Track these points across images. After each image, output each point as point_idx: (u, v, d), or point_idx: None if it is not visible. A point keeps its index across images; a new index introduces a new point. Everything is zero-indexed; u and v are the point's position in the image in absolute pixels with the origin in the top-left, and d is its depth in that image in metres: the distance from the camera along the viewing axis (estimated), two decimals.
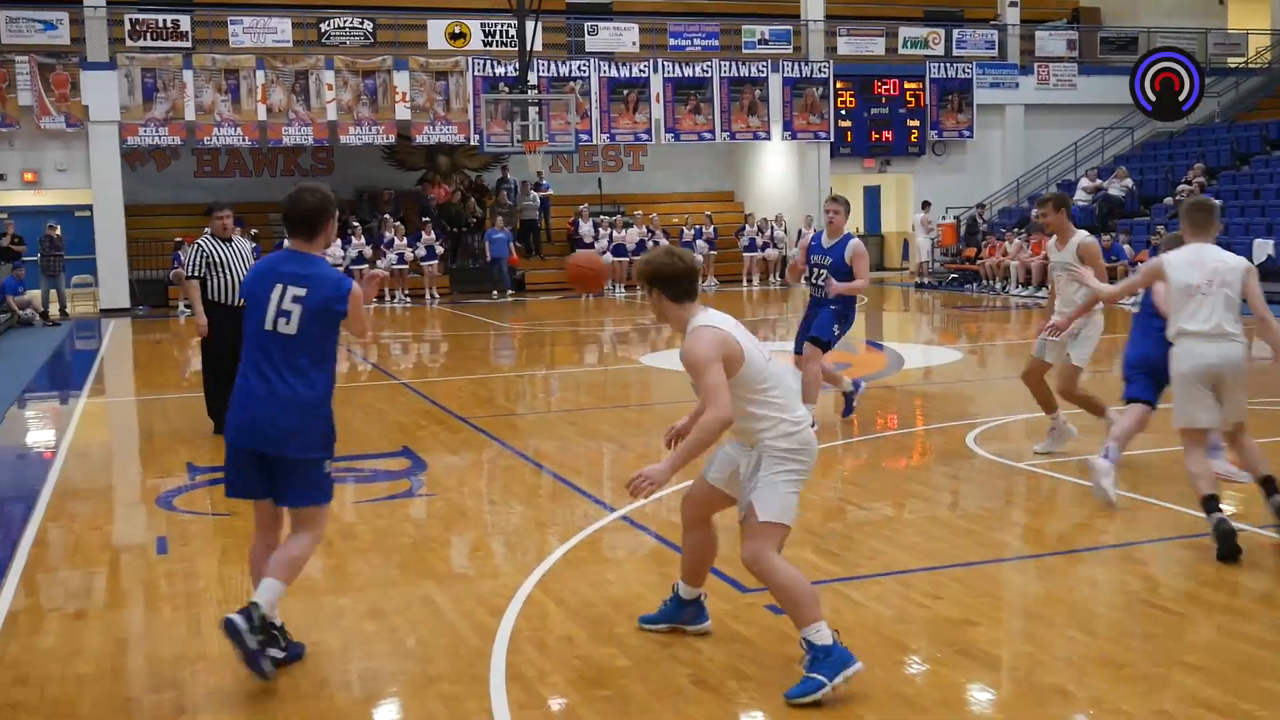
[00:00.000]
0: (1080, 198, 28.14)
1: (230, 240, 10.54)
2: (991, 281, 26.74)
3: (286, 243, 5.34)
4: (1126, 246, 23.57)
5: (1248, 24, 35.50)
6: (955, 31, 32.14)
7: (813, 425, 8.84)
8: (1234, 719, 4.48)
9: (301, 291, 5.00)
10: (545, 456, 9.77)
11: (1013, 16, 32.61)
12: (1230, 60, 34.59)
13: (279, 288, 5.02)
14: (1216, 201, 7.91)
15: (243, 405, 5.06)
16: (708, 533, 5.45)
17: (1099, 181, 28.56)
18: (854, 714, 4.59)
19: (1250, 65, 34.37)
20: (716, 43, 30.29)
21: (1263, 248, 21.91)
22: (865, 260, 10.15)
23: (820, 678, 4.64)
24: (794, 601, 4.82)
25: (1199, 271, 6.60)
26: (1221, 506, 6.54)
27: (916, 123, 31.29)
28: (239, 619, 4.79)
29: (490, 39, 28.59)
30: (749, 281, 29.75)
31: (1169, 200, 26.13)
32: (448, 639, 5.49)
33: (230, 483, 5.23)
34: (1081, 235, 8.99)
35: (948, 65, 31.51)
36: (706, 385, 4.83)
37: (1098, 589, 6.16)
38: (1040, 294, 24.66)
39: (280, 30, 27.48)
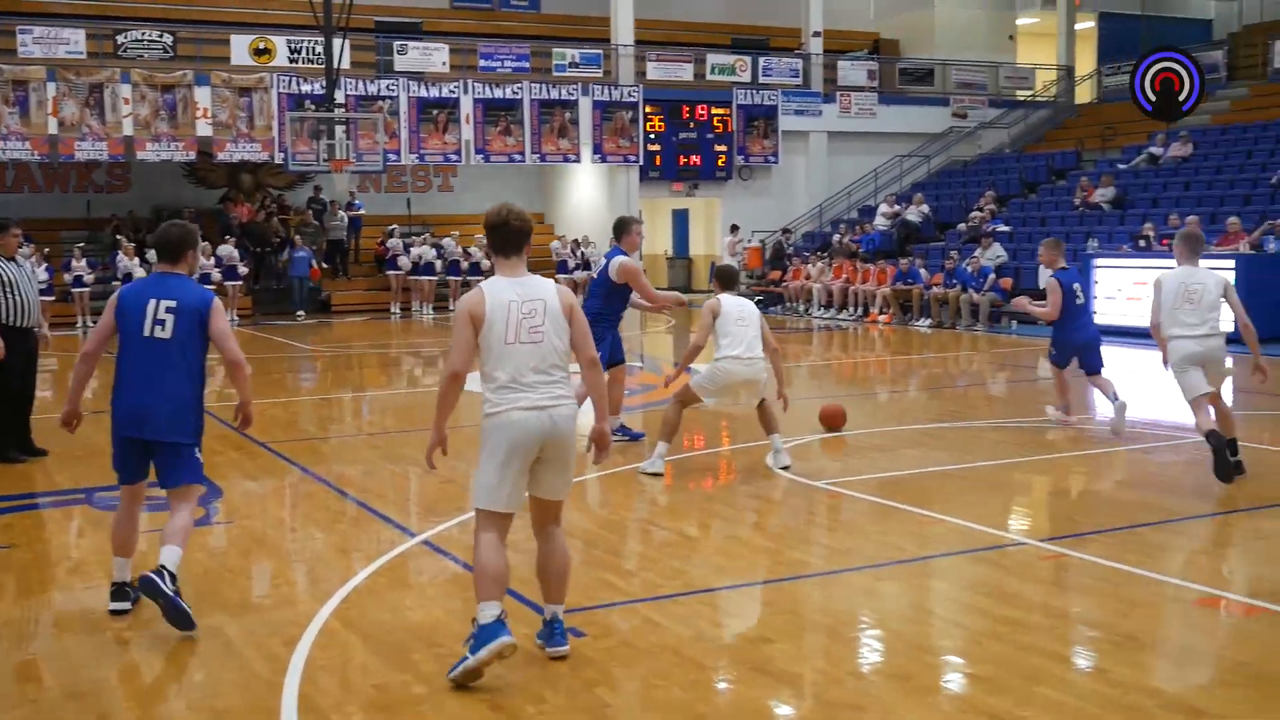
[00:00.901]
0: (879, 223, 29.05)
1: (14, 259, 10.07)
2: (795, 304, 27.36)
3: (156, 268, 6.42)
4: (923, 270, 24.39)
5: (1036, 59, 37.23)
6: (761, 59, 32.87)
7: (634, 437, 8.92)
8: None
9: (172, 303, 5.94)
10: (348, 481, 9.59)
11: (816, 46, 33.52)
12: (1019, 93, 36.21)
13: (153, 302, 5.95)
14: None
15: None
16: (544, 544, 5.50)
17: (897, 207, 29.51)
18: None
19: (1038, 98, 36.03)
20: (527, 65, 30.34)
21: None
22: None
23: (467, 654, 5.04)
24: (474, 580, 5.23)
25: (1187, 287, 8.73)
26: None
27: (724, 147, 31.87)
28: (154, 575, 5.66)
29: (296, 55, 28.08)
30: None
31: (962, 226, 27.15)
32: (238, 673, 5.33)
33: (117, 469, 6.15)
34: None
35: (754, 92, 32.20)
36: (451, 340, 5.41)
37: (891, 604, 6.33)
38: (841, 316, 25.35)
39: (73, 41, 26.47)
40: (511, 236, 5.36)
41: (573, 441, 5.38)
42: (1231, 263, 18.49)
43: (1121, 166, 27.40)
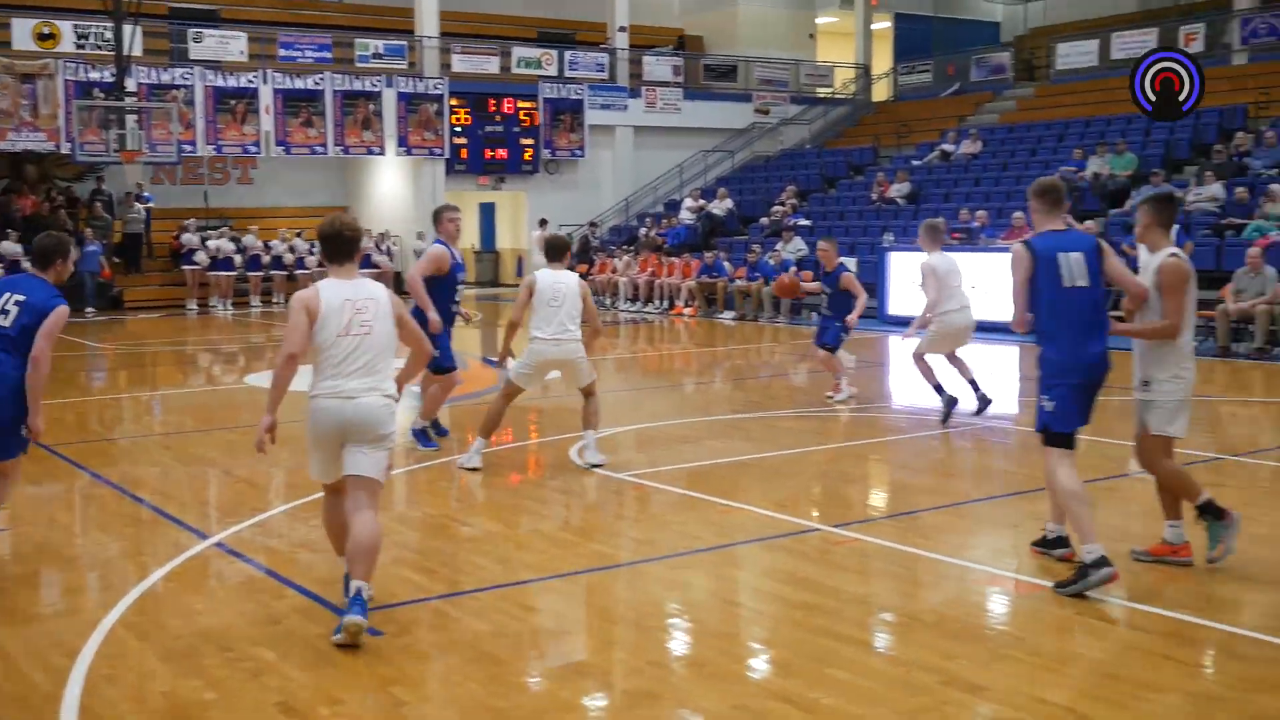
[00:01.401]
0: (684, 217, 29.41)
1: None
2: (602, 297, 27.50)
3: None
4: (727, 264, 24.78)
5: (835, 57, 38.18)
6: (567, 53, 32.89)
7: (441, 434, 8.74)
8: (802, 708, 4.78)
9: (21, 298, 6.47)
10: (139, 484, 9.27)
11: (622, 41, 33.72)
12: (819, 90, 37.09)
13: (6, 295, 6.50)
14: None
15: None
16: (353, 522, 5.69)
17: (702, 201, 29.92)
18: None
19: (837, 95, 36.97)
20: (329, 55, 29.71)
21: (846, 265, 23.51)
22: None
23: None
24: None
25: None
26: None
27: (530, 141, 31.79)
28: None
29: (84, 41, 26.90)
30: None
31: (765, 220, 27.69)
32: (16, 686, 5.11)
33: None
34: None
35: (560, 86, 32.21)
36: (287, 326, 5.83)
37: (690, 593, 6.43)
38: (648, 309, 25.59)
39: None
40: (344, 245, 5.85)
41: (377, 428, 5.69)
42: None
43: (916, 163, 28.32)
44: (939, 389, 11.28)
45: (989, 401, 11.44)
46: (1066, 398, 6.29)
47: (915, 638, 5.63)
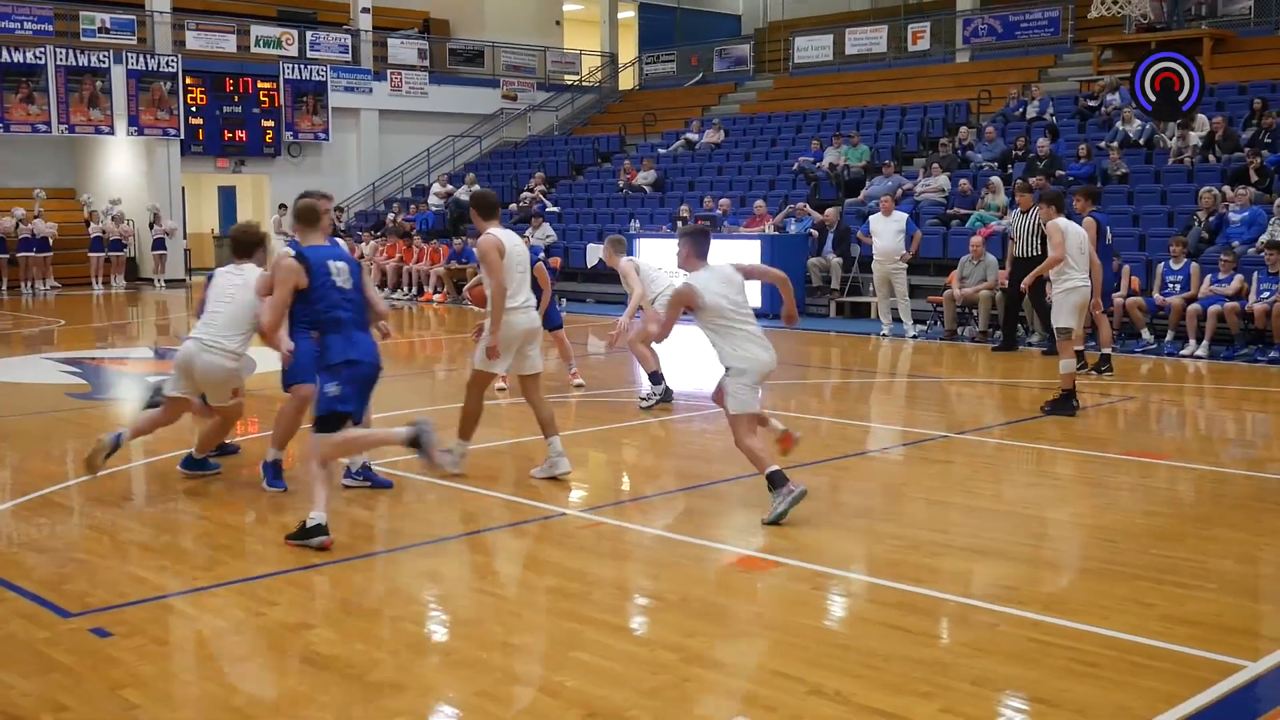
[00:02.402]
0: (433, 202, 29.11)
1: None
2: None
3: None
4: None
5: (582, 45, 38.41)
6: (309, 33, 32.07)
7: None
8: (546, 691, 4.80)
9: None
10: None
11: (365, 23, 33.09)
12: (566, 78, 37.25)
13: None
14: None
15: None
16: None
17: (450, 187, 29.67)
18: None
19: (585, 83, 37.21)
20: (51, 28, 28.14)
21: (594, 252, 23.75)
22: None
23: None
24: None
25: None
26: None
27: (271, 123, 30.86)
28: None
29: None
30: (105, 284, 28.08)
31: (514, 206, 27.66)
32: None
33: None
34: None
35: (302, 66, 31.37)
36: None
37: (435, 581, 6.38)
38: (395, 295, 25.22)
39: None
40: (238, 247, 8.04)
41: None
42: (758, 242, 19.84)
43: (661, 151, 28.79)
44: (656, 376, 11.49)
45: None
46: None
47: (658, 617, 5.74)
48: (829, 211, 21.32)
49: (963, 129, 23.71)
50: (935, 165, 21.64)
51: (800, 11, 37.78)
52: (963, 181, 20.68)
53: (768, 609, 5.88)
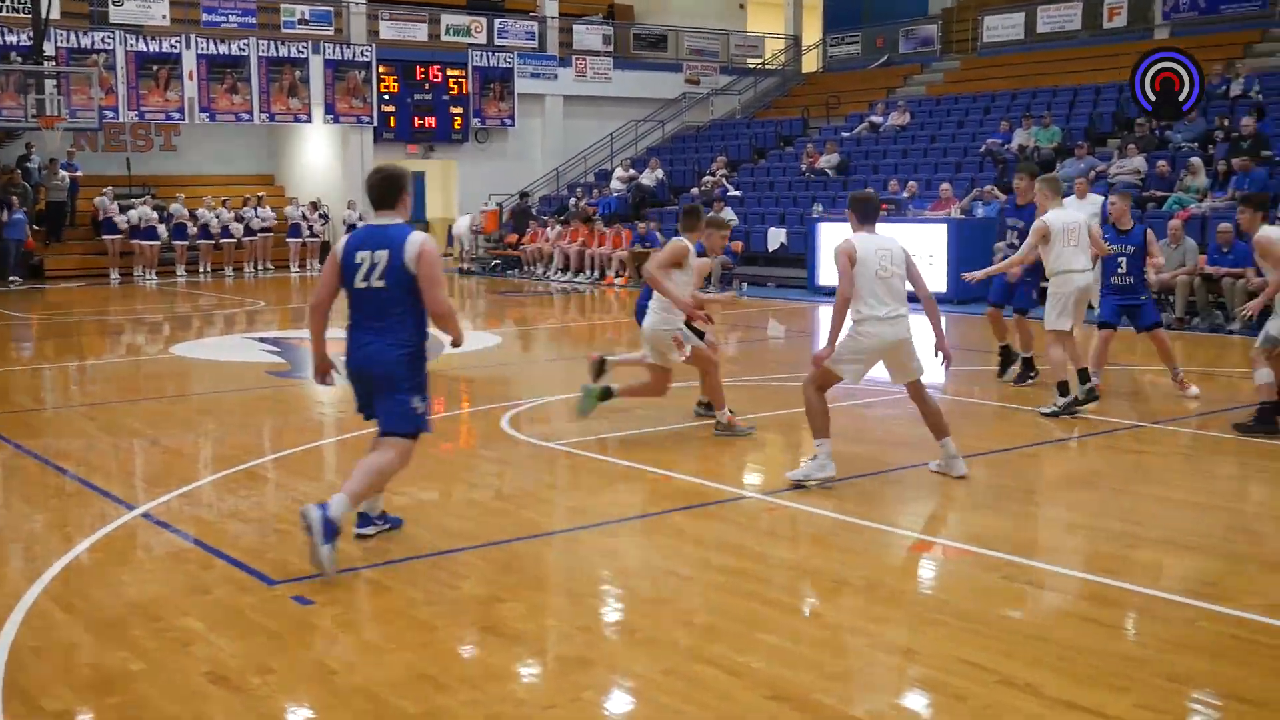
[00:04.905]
0: (615, 187, 29.36)
1: None
2: (533, 267, 27.42)
3: None
4: (659, 234, 24.78)
5: (765, 28, 38.22)
6: (497, 21, 32.65)
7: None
8: (731, 671, 4.82)
9: None
10: (63, 455, 9.11)
11: (551, 9, 33.51)
12: (749, 61, 37.12)
13: None
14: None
15: None
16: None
17: (632, 171, 29.88)
18: (378, 696, 4.58)
19: (767, 66, 37.02)
20: (254, 20, 29.26)
21: (776, 236, 23.68)
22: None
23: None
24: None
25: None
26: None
27: (460, 109, 31.54)
28: None
29: (0, 4, 26.29)
30: (302, 267, 29.13)
31: (695, 190, 27.71)
32: None
33: None
34: None
35: (490, 54, 31.97)
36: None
37: (620, 560, 6.47)
38: (579, 279, 25.53)
39: None
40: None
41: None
42: (944, 226, 19.49)
43: (845, 134, 28.47)
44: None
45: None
46: None
47: (843, 602, 5.71)
48: (988, 188, 20.72)
49: None
50: (1131, 146, 20.91)
51: None
52: (1160, 163, 19.93)
53: (956, 596, 5.79)
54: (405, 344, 6.17)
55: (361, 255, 6.15)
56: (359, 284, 6.16)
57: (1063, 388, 10.03)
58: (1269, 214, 9.95)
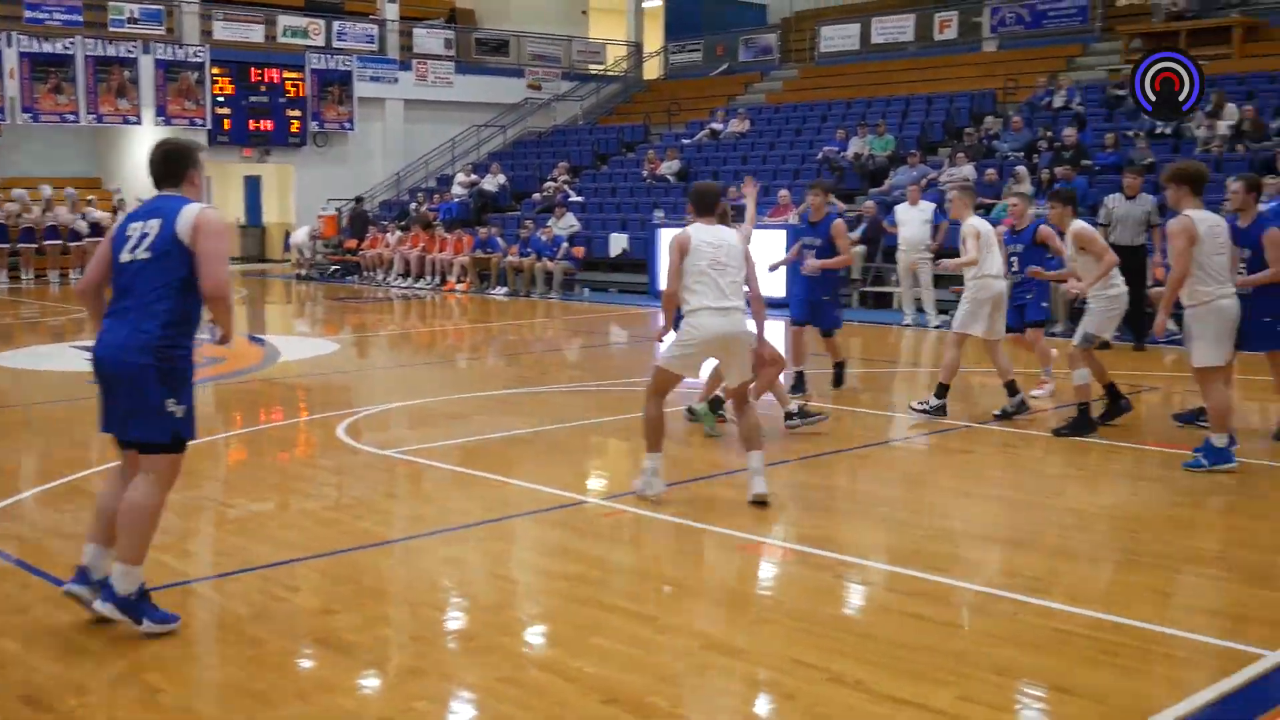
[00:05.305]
0: (457, 192, 29.16)
1: None
2: (373, 273, 27.06)
3: None
4: (500, 239, 24.69)
5: (607, 34, 38.37)
6: (336, 23, 32.12)
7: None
8: (566, 677, 4.82)
9: None
10: None
11: (391, 13, 33.13)
12: (591, 67, 37.22)
13: None
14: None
15: None
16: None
17: (474, 176, 29.71)
18: (202, 714, 4.46)
19: (609, 73, 37.17)
20: (80, 18, 28.29)
21: (618, 241, 23.77)
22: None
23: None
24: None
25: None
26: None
27: (297, 113, 30.94)
28: None
29: None
30: None
31: (537, 195, 27.67)
32: None
33: None
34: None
35: (328, 56, 31.44)
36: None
37: (457, 568, 6.41)
38: (419, 285, 25.27)
39: None
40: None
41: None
42: (783, 232, 19.80)
43: (686, 141, 28.73)
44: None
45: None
46: None
47: (678, 604, 5.76)
48: (868, 204, 21.20)
49: (989, 118, 23.59)
50: (960, 155, 21.54)
51: (827, 0, 37.64)
52: (989, 171, 20.58)
53: (788, 597, 5.89)
54: (163, 330, 5.14)
55: (134, 227, 5.27)
56: (124, 257, 5.21)
57: (1011, 387, 10.29)
58: (1077, 209, 10.33)
